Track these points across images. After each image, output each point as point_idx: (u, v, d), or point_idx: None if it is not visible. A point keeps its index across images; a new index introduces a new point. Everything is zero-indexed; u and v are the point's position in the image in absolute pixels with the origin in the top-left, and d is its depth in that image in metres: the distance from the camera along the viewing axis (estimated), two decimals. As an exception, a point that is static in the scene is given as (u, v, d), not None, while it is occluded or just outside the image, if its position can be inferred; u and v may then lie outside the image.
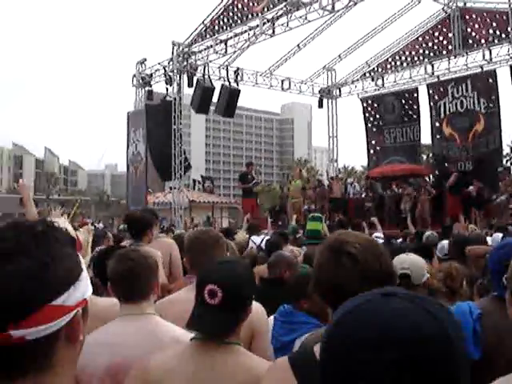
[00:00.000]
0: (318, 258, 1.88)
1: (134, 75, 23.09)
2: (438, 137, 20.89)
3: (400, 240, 10.15)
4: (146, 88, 22.64)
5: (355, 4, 16.83)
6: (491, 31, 19.50)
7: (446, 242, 6.78)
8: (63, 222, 3.55)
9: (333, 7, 16.34)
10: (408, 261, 3.45)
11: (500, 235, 7.13)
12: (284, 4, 17.21)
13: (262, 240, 8.76)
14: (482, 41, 19.82)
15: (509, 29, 13.27)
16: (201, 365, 2.14)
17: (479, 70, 20.13)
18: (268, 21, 18.05)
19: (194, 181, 37.61)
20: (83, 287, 1.10)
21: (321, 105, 25.34)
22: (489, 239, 7.49)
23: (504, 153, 29.31)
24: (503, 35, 18.42)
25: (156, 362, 2.22)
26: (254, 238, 9.46)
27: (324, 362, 1.01)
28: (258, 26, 18.27)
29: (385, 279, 1.76)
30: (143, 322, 2.57)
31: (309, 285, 3.36)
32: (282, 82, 24.24)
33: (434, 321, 0.93)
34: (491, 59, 19.65)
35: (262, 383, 1.90)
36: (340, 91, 25.61)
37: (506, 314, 2.46)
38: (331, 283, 1.78)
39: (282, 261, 4.74)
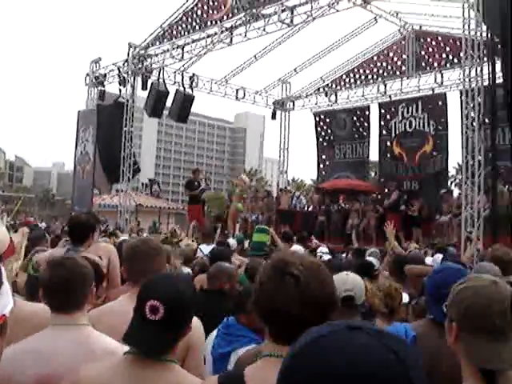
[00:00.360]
0: (260, 277, 1.82)
1: (88, 74, 22.75)
2: (387, 155, 21.22)
3: (344, 255, 10.26)
4: (99, 88, 22.32)
5: (313, 19, 16.98)
6: (444, 55, 20.00)
7: (373, 259, 6.89)
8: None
9: (291, 21, 16.44)
10: (350, 281, 3.46)
11: (440, 256, 7.22)
12: (243, 14, 17.25)
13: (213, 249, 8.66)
14: (435, 64, 20.29)
15: (461, 54, 13.58)
16: (133, 381, 2.07)
17: (430, 92, 20.60)
18: (226, 29, 18.06)
19: (143, 184, 37.20)
20: (2, 302, 1.05)
21: (274, 116, 25.47)
22: (429, 259, 7.62)
23: (450, 174, 29.99)
24: (455, 60, 18.87)
25: (88, 374, 2.14)
26: (202, 246, 9.35)
27: None
28: (216, 33, 18.26)
29: (327, 304, 1.72)
30: (75, 333, 2.48)
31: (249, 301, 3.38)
32: (237, 91, 24.28)
33: (397, 360, 0.91)
34: (442, 82, 20.16)
35: None
36: (294, 104, 25.79)
37: (440, 337, 2.49)
38: (270, 305, 1.72)
39: (222, 272, 4.67)
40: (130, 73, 20.90)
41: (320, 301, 1.70)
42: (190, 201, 18.27)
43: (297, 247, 9.22)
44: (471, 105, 13.16)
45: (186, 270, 7.24)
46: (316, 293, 1.70)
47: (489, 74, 12.58)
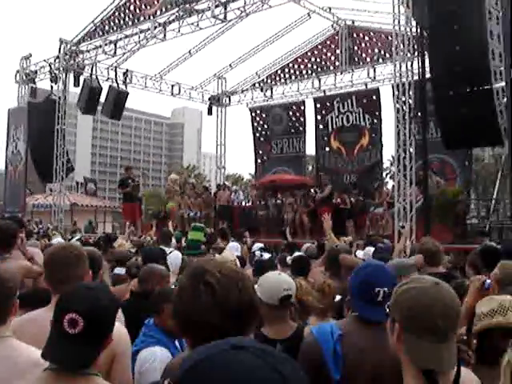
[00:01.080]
0: (179, 285, 1.77)
1: (18, 71, 22.15)
2: (326, 149, 21.43)
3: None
4: (30, 85, 21.79)
5: (247, 15, 17.02)
6: (376, 50, 20.44)
7: (298, 253, 7.00)
8: None
9: (225, 16, 16.41)
10: (287, 280, 3.50)
11: (372, 249, 7.27)
12: (176, 9, 17.10)
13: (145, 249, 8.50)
14: (368, 59, 20.70)
15: (392, 49, 13.84)
16: None
17: (364, 87, 20.95)
18: (160, 25, 17.88)
19: (78, 183, 36.45)
20: None
21: (210, 112, 25.44)
22: (360, 253, 7.67)
23: (385, 166, 30.55)
24: (387, 55, 19.27)
25: None
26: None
27: None
28: (149, 29, 18.05)
29: (246, 312, 1.67)
30: (-2, 347, 2.39)
31: (163, 301, 3.45)
32: (172, 86, 24.11)
33: (282, 379, 0.91)
34: (375, 77, 20.57)
35: None
36: (229, 99, 25.79)
37: (366, 334, 2.52)
38: (188, 315, 1.66)
39: (154, 274, 4.60)
40: (61, 69, 20.48)
41: (238, 308, 1.64)
42: (124, 199, 17.96)
43: (234, 245, 9.21)
44: (403, 99, 13.42)
45: (122, 271, 7.09)
46: (234, 301, 1.64)
47: (418, 68, 12.88)
